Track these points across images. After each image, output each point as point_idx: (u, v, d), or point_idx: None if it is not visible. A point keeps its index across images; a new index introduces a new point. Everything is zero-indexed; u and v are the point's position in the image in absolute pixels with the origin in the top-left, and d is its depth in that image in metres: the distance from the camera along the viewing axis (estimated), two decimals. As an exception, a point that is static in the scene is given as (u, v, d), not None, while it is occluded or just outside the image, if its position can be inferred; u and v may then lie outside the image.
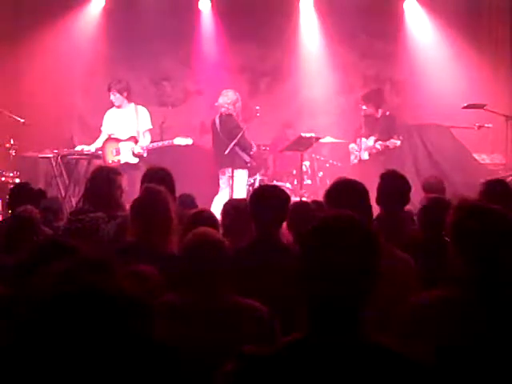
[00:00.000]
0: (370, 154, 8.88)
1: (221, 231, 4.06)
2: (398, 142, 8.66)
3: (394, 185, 4.25)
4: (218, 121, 8.68)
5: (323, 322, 1.81)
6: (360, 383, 1.75)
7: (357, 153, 9.15)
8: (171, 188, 4.33)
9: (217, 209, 7.89)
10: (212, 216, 4.25)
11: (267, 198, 3.71)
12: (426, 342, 2.23)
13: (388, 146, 8.76)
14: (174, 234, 3.70)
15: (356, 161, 9.11)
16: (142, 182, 4.53)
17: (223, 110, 8.59)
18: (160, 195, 3.79)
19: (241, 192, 8.37)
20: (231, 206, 4.34)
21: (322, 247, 1.82)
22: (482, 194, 4.42)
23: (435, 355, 2.16)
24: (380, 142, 8.75)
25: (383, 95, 9.22)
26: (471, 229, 2.41)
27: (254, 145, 8.69)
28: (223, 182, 8.66)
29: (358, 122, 9.29)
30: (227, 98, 8.63)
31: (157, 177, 4.47)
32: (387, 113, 9.06)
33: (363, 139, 9.07)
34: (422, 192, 5.90)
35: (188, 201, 5.31)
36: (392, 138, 8.72)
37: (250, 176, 8.74)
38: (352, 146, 9.23)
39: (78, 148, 8.72)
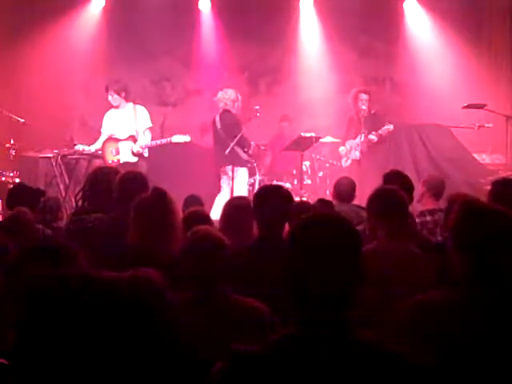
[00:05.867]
0: (361, 152, 8.87)
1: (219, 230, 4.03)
2: (391, 126, 8.73)
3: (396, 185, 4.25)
4: (218, 118, 8.68)
5: (309, 319, 1.83)
6: (345, 379, 1.76)
7: (348, 155, 9.15)
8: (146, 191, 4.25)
9: (219, 208, 7.87)
10: (205, 215, 4.23)
11: (270, 198, 3.70)
12: (425, 343, 2.23)
13: (381, 135, 8.77)
14: (177, 236, 3.65)
15: (348, 163, 9.11)
16: (120, 186, 4.42)
17: (222, 104, 8.61)
18: (167, 197, 3.75)
19: (242, 191, 8.35)
20: (231, 206, 4.31)
21: (307, 246, 1.84)
22: (491, 194, 4.37)
23: (435, 355, 2.16)
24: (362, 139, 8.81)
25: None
26: (471, 229, 2.41)
27: (252, 144, 8.69)
28: (224, 181, 8.66)
29: (345, 124, 9.32)
30: (227, 95, 8.66)
31: (134, 180, 4.40)
32: (372, 111, 9.09)
33: (351, 141, 9.08)
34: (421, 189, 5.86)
35: (196, 202, 5.31)
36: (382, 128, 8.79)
37: (250, 175, 8.73)
38: (342, 148, 9.23)
39: (79, 147, 8.70)
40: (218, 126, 8.64)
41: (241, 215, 4.07)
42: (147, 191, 4.02)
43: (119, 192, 4.32)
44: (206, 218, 4.16)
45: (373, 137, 8.83)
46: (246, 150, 8.56)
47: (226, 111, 8.59)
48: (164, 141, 8.47)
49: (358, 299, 1.85)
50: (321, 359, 1.77)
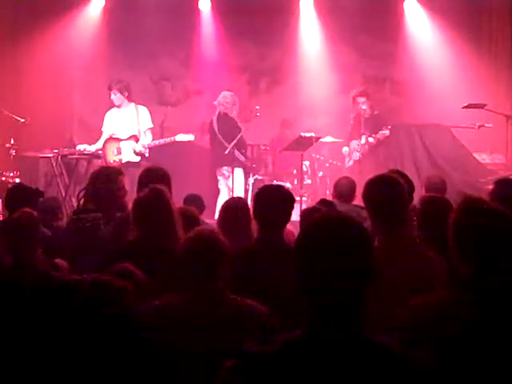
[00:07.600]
0: (361, 153, 8.93)
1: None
2: (387, 132, 8.82)
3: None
4: (215, 121, 8.73)
5: (321, 320, 1.82)
6: (357, 381, 1.76)
7: (350, 156, 9.21)
8: (169, 188, 4.32)
9: None
10: (193, 215, 4.23)
11: (271, 198, 3.69)
12: (426, 344, 2.22)
13: (379, 139, 8.84)
14: (177, 234, 3.65)
15: (351, 163, 9.16)
16: (140, 181, 4.52)
17: (222, 108, 8.69)
18: (165, 195, 3.76)
19: (238, 191, 8.41)
20: (228, 207, 4.30)
21: (317, 247, 1.84)
22: (493, 193, 4.34)
23: (435, 356, 2.16)
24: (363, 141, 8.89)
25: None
26: (470, 228, 2.40)
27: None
28: (221, 183, 8.74)
29: (348, 124, 9.36)
30: (226, 98, 8.72)
31: (156, 176, 4.45)
32: (375, 112, 9.13)
33: (355, 141, 9.14)
34: (423, 191, 5.86)
35: (195, 201, 5.30)
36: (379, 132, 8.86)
37: (246, 176, 8.77)
38: (345, 149, 9.28)
39: (80, 147, 8.69)
40: (216, 128, 8.70)
41: (238, 216, 4.07)
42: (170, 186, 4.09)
43: (141, 185, 4.37)
44: (194, 218, 4.16)
45: (371, 139, 8.88)
46: (243, 151, 8.63)
47: (224, 114, 8.68)
48: (168, 140, 8.50)
49: (368, 299, 1.85)
50: (332, 360, 1.77)
